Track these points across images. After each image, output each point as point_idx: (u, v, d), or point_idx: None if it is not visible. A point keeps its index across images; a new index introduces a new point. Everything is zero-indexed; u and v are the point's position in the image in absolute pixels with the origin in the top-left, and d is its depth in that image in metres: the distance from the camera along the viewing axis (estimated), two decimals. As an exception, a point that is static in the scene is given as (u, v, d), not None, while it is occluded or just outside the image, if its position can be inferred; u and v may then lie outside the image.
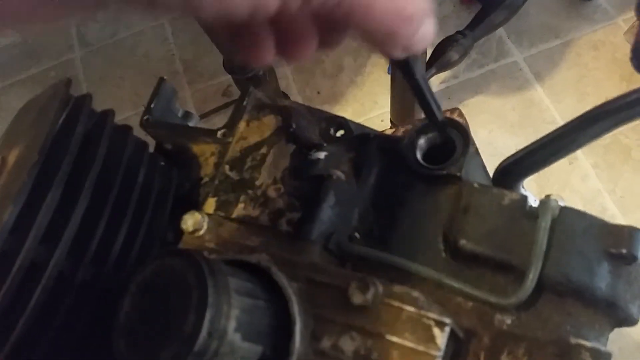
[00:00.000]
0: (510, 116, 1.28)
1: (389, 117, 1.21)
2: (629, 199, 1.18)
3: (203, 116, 1.32)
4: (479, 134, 1.24)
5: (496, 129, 1.25)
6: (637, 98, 0.38)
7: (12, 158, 0.37)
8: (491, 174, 0.49)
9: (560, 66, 1.32)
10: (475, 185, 0.39)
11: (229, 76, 1.32)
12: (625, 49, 1.28)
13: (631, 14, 1.29)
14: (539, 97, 1.30)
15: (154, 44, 1.52)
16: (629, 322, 0.38)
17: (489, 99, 1.31)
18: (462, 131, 0.38)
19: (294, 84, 1.39)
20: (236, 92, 1.33)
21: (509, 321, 0.37)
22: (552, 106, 1.28)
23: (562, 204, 0.39)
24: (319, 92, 1.38)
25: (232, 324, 0.30)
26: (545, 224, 0.36)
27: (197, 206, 0.45)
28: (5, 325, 0.33)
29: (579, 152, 1.22)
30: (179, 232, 0.41)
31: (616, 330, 0.39)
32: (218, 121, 1.15)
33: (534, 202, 0.39)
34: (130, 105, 1.36)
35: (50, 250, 0.33)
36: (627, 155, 1.22)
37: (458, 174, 0.39)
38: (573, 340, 0.34)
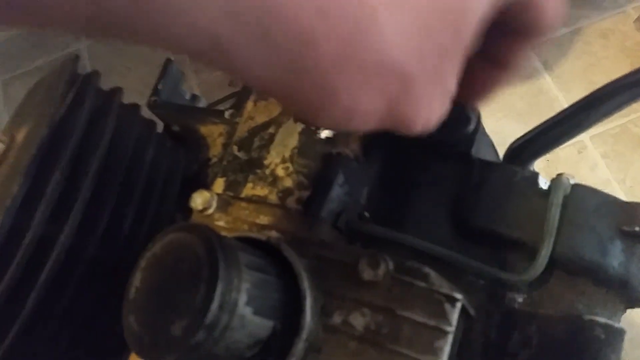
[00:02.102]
0: (518, 105, 1.27)
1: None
2: (638, 189, 1.17)
3: (210, 105, 1.32)
4: (486, 123, 1.22)
5: (504, 118, 1.25)
6: (650, 74, 0.38)
7: (20, 135, 0.37)
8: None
9: (569, 55, 1.31)
10: (486, 162, 0.38)
11: (236, 66, 1.32)
12: (635, 38, 1.27)
13: (641, 2, 1.28)
14: (547, 85, 1.29)
15: (161, 34, 1.52)
16: (641, 302, 0.38)
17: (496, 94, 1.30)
18: (474, 107, 0.38)
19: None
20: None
21: (520, 299, 0.37)
22: (561, 95, 1.27)
23: (573, 182, 0.38)
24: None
25: (243, 298, 0.30)
26: (557, 200, 0.36)
27: (206, 187, 0.45)
28: (17, 299, 0.33)
29: (588, 142, 1.22)
30: (188, 213, 0.41)
31: (626, 320, 0.38)
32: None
33: (544, 184, 0.39)
34: (136, 95, 1.34)
35: (59, 225, 0.33)
36: (637, 144, 1.21)
37: (469, 151, 0.39)
38: (586, 316, 0.33)
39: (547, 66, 1.31)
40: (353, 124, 0.25)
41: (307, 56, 0.21)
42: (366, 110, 0.24)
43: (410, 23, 0.22)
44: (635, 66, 0.41)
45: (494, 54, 0.29)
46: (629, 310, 0.38)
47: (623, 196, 1.21)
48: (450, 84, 0.26)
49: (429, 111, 0.26)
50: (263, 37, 0.20)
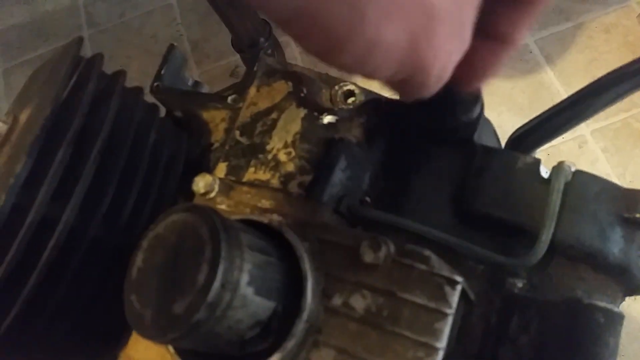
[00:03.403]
0: (520, 99, 1.27)
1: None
2: (638, 183, 1.17)
3: (211, 96, 1.32)
4: (488, 117, 1.23)
5: (506, 112, 1.24)
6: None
7: (24, 116, 0.37)
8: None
9: (571, 49, 1.31)
10: (488, 148, 0.38)
11: (237, 57, 1.32)
12: (638, 32, 1.26)
13: (644, -3, 1.28)
14: (550, 80, 1.29)
15: (162, 24, 1.52)
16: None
17: (499, 81, 1.30)
18: (477, 93, 0.38)
19: (302, 64, 1.39)
20: (244, 73, 1.33)
21: (520, 284, 0.37)
22: (563, 89, 1.27)
23: (574, 169, 0.38)
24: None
25: (244, 278, 0.30)
26: (558, 185, 0.36)
27: (208, 171, 0.45)
28: (19, 279, 0.33)
29: (588, 136, 1.22)
30: (190, 197, 0.41)
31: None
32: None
33: (545, 174, 0.39)
34: (137, 84, 1.35)
35: (62, 205, 0.33)
36: (638, 139, 1.21)
37: (471, 137, 0.39)
38: (586, 301, 0.33)
39: (550, 60, 1.30)
40: (372, 62, 0.24)
41: None
42: (389, 43, 0.24)
43: None
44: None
45: (494, 28, 0.29)
46: (625, 304, 0.38)
47: (623, 191, 1.21)
48: (466, 32, 0.26)
49: (446, 56, 0.26)
50: None
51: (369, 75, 0.26)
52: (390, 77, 0.27)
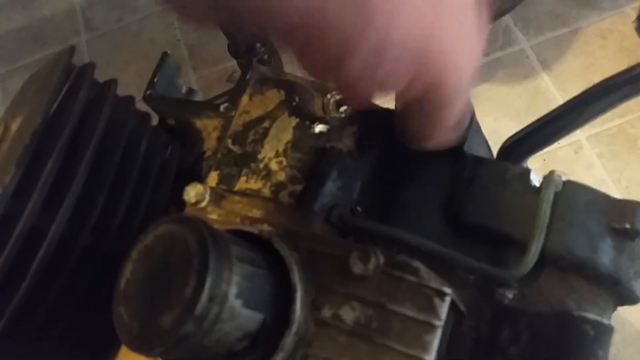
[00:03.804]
0: (516, 104, 1.27)
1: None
2: (634, 189, 1.17)
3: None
4: (484, 122, 1.22)
5: (502, 117, 1.25)
6: (642, 72, 0.38)
7: (15, 125, 0.37)
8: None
9: (567, 54, 1.31)
10: (479, 158, 0.38)
11: (234, 62, 1.32)
12: (634, 38, 1.27)
13: (640, 3, 1.28)
14: (546, 85, 1.29)
15: (159, 29, 1.52)
16: (631, 300, 0.38)
17: (495, 87, 1.30)
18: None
19: (299, 70, 1.39)
20: (241, 78, 1.33)
21: (510, 295, 0.37)
22: (559, 95, 1.27)
23: (565, 179, 0.38)
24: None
25: (233, 290, 0.30)
26: (548, 196, 0.36)
27: (200, 180, 0.45)
28: (7, 290, 0.33)
29: (584, 142, 1.22)
30: (181, 206, 0.41)
31: (619, 319, 0.38)
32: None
33: (537, 182, 0.39)
34: (134, 90, 1.34)
35: (51, 215, 0.33)
36: (633, 144, 1.21)
37: (461, 147, 0.39)
38: (575, 313, 0.33)
39: (546, 66, 1.31)
40: (382, 68, 0.23)
41: None
42: (399, 44, 0.22)
43: None
44: (633, 66, 0.42)
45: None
46: (621, 309, 0.38)
47: (618, 196, 1.20)
48: (477, 31, 0.25)
49: (460, 58, 0.25)
50: None
51: (380, 87, 0.25)
52: (405, 91, 0.25)
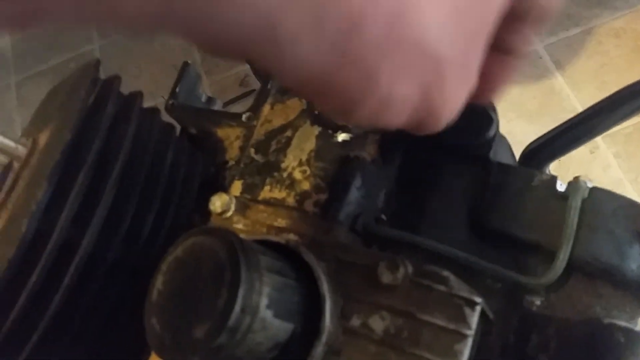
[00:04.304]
0: (530, 105, 1.27)
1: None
2: (651, 189, 1.16)
3: (223, 106, 1.33)
4: (498, 123, 1.23)
5: (516, 118, 1.24)
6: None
7: (43, 139, 0.37)
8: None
9: (581, 54, 1.31)
10: (504, 165, 0.38)
11: (246, 66, 1.33)
12: (648, 37, 1.26)
13: (654, 1, 1.27)
14: (559, 85, 1.28)
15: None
16: (659, 305, 0.38)
17: (508, 88, 1.29)
18: (492, 111, 0.38)
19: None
20: (254, 82, 1.34)
21: (538, 302, 0.37)
22: (573, 95, 1.27)
23: (591, 185, 0.38)
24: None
25: (264, 301, 0.30)
26: (575, 203, 0.36)
27: (224, 189, 0.45)
28: (41, 302, 0.33)
29: (600, 142, 1.21)
30: (206, 216, 0.41)
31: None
32: (237, 111, 1.16)
33: (560, 187, 0.39)
34: (148, 96, 1.35)
35: (82, 229, 0.34)
36: (649, 144, 1.20)
37: (487, 154, 0.39)
38: (606, 320, 0.33)
39: (559, 66, 1.30)
40: (386, 117, 0.25)
41: (354, 38, 0.22)
42: (401, 99, 0.25)
43: (446, 7, 0.23)
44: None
45: (502, 42, 0.29)
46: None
47: (636, 196, 1.20)
48: (473, 72, 0.27)
49: (455, 100, 0.27)
50: (314, 18, 0.21)
51: (382, 127, 0.27)
52: (403, 126, 0.28)
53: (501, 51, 0.30)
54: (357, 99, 0.24)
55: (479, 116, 0.37)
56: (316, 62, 0.22)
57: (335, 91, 0.24)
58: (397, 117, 0.26)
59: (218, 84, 1.42)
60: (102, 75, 0.42)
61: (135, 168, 0.36)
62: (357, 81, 0.23)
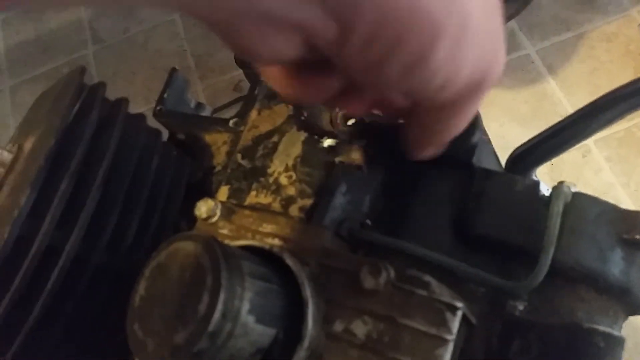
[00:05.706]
0: (522, 109, 1.27)
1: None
2: (643, 192, 1.17)
3: (215, 111, 1.32)
4: (490, 127, 1.23)
5: (508, 122, 1.25)
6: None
7: (28, 145, 0.37)
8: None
9: (573, 59, 1.31)
10: (488, 170, 0.39)
11: (240, 71, 1.32)
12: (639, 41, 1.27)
13: (645, 6, 1.28)
14: (552, 90, 1.29)
15: (166, 39, 1.53)
16: (642, 309, 0.38)
17: (501, 92, 1.30)
18: (476, 117, 0.38)
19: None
20: (247, 87, 1.34)
21: (521, 307, 0.37)
22: (565, 99, 1.27)
23: (574, 190, 0.38)
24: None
25: (245, 306, 0.30)
26: (557, 209, 0.36)
27: (210, 195, 0.45)
28: (24, 307, 0.33)
29: (592, 146, 1.22)
30: (192, 220, 0.41)
31: (631, 325, 0.38)
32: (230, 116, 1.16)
33: (546, 191, 0.39)
34: (142, 101, 1.37)
35: (66, 234, 0.34)
36: (641, 148, 1.21)
37: (471, 160, 0.39)
38: (586, 325, 0.33)
39: (551, 70, 1.31)
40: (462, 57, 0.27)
41: None
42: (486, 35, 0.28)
43: None
44: (639, 70, 0.41)
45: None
46: (634, 316, 0.39)
47: (627, 200, 1.20)
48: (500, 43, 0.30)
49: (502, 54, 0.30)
50: None
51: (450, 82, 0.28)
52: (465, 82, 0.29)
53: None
54: (435, 33, 0.24)
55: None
56: None
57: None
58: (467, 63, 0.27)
59: (212, 88, 1.42)
60: (96, 79, 0.43)
61: (120, 173, 0.37)
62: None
